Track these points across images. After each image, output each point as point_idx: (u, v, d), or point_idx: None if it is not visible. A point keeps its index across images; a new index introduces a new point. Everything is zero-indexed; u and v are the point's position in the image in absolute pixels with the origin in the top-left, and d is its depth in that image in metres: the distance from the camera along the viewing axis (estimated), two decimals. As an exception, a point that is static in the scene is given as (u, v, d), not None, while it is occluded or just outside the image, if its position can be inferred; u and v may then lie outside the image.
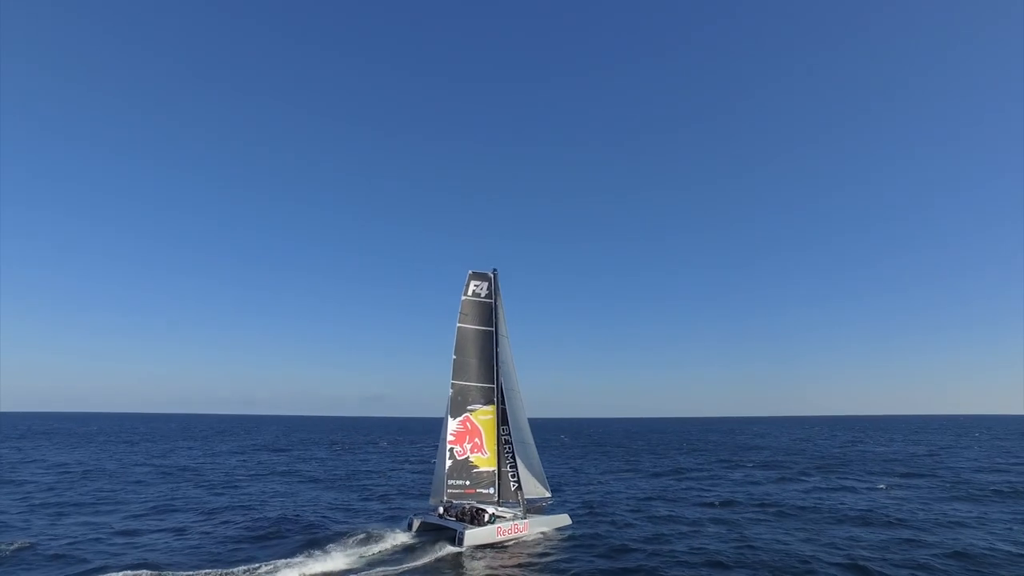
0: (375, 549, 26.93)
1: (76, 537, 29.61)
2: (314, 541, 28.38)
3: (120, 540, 29.43)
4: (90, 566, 24.38)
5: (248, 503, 40.70)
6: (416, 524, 29.73)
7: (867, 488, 48.53)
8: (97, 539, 29.37)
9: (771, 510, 38.24)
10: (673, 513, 37.28)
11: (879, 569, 24.03)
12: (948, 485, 49.38)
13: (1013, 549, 27.00)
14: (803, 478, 56.18)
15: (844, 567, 24.47)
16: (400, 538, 28.58)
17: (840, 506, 38.99)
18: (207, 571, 23.26)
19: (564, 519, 32.64)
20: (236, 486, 49.89)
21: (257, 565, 23.96)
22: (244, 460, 76.70)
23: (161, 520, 34.50)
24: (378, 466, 70.43)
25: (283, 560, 24.64)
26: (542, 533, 30.54)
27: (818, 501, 41.38)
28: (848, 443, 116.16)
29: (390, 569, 24.19)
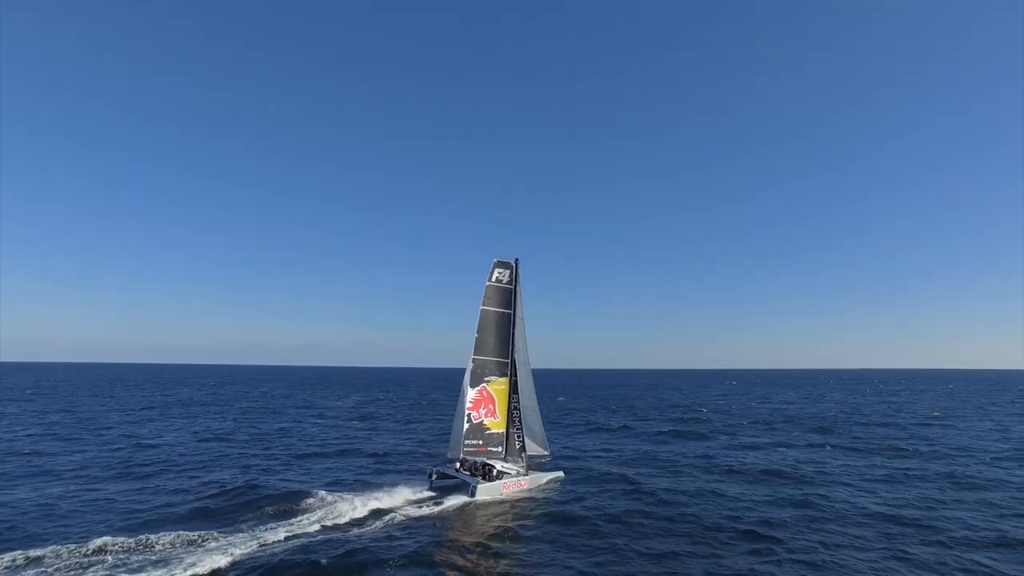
0: (397, 502, 30.30)
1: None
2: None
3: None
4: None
5: (168, 465, 38.40)
6: (435, 475, 34.62)
7: (772, 446, 51.70)
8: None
9: (669, 469, 40.55)
10: (592, 474, 38.42)
11: (764, 532, 25.35)
12: (841, 442, 53.38)
13: (885, 511, 29.32)
14: (711, 436, 59.21)
15: (737, 533, 25.62)
16: (408, 494, 31.89)
17: (742, 466, 41.20)
18: (67, 547, 21.53)
19: (559, 475, 37.83)
20: (143, 446, 47.04)
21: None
22: (154, 416, 72.81)
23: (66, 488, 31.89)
24: (297, 423, 68.67)
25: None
26: (540, 487, 35.41)
27: (717, 461, 43.60)
28: (761, 400, 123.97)
29: (414, 515, 28.20)
